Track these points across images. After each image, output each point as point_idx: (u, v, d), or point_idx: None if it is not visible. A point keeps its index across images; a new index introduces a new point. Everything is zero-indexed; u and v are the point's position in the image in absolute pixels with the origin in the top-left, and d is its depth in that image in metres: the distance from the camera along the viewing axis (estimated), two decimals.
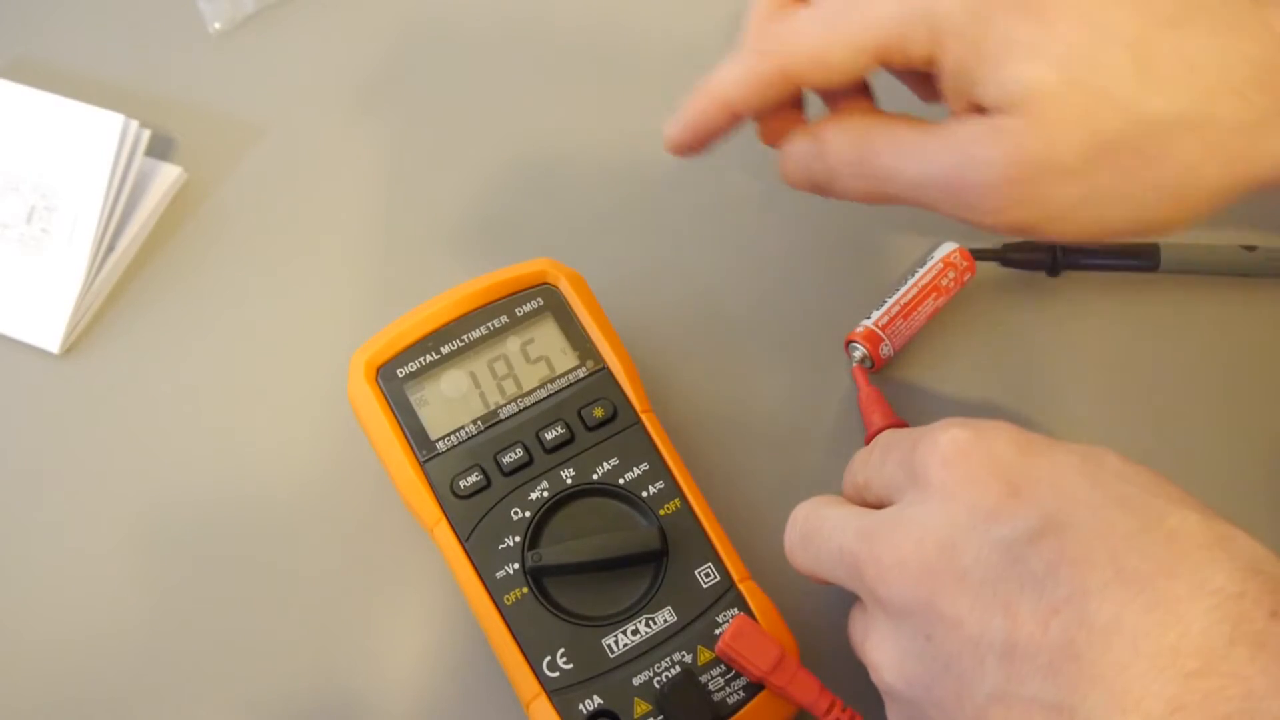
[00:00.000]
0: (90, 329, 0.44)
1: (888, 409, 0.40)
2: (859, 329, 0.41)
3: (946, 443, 0.29)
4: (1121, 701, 0.25)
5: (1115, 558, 0.26)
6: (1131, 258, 0.43)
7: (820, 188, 0.36)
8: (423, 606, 0.38)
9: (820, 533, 0.32)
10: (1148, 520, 0.27)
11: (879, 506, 0.32)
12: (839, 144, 0.35)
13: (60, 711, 0.37)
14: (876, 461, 0.33)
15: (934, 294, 0.41)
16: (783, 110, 0.37)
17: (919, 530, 0.29)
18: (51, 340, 0.43)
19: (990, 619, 0.27)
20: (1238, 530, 0.27)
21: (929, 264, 0.42)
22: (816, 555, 0.32)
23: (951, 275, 0.42)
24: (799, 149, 0.36)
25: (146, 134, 0.46)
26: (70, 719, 0.37)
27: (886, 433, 0.34)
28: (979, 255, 0.43)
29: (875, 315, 0.41)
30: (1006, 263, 0.43)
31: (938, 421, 0.31)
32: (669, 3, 0.51)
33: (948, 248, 0.42)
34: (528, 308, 0.38)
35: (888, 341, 0.41)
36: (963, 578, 0.27)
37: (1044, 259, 0.43)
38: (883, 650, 0.30)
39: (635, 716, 0.33)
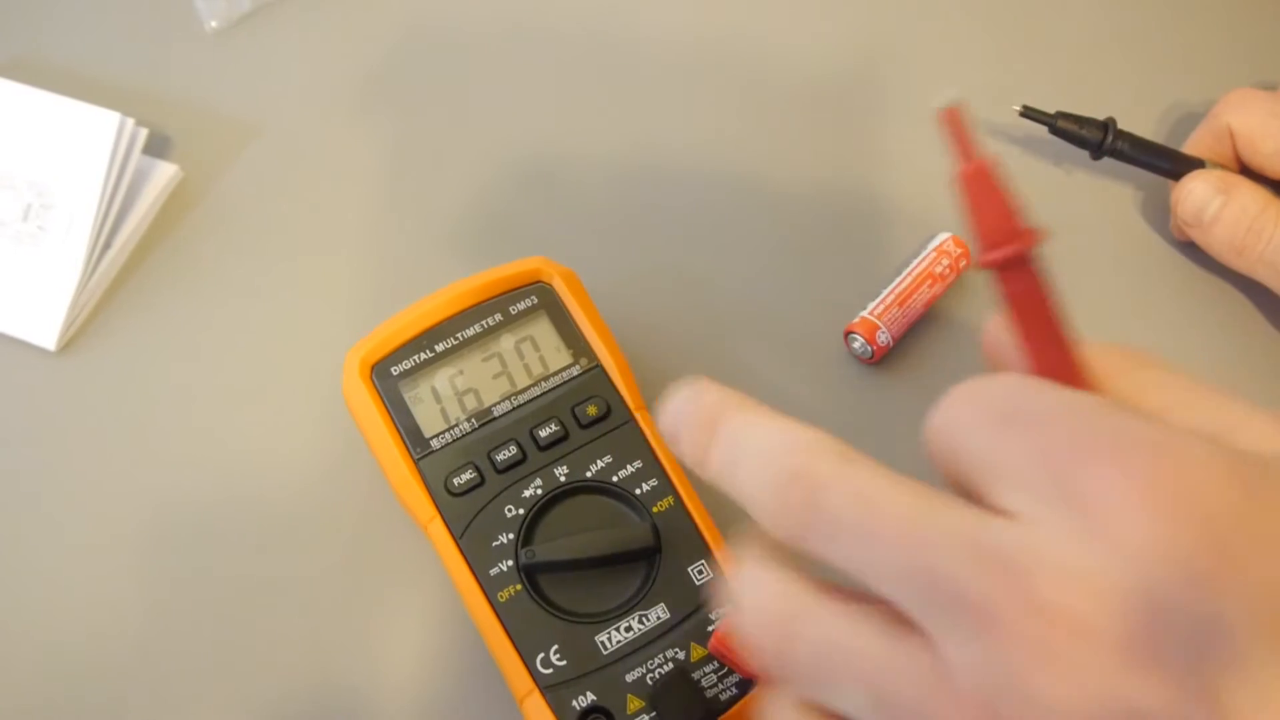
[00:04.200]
0: (86, 326, 0.44)
1: (1008, 204, 0.25)
2: (855, 319, 0.41)
3: (1145, 472, 0.19)
4: None
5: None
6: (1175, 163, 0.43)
7: None
8: (417, 603, 0.39)
9: (903, 528, 0.21)
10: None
11: (958, 488, 0.22)
12: None
13: (59, 710, 0.37)
14: (985, 428, 0.21)
15: (929, 281, 0.42)
16: None
17: (1096, 579, 0.19)
18: (48, 338, 0.43)
19: None
20: None
21: (923, 253, 0.43)
22: (869, 558, 0.21)
23: (945, 262, 0.42)
24: None
25: (143, 132, 0.46)
26: (69, 718, 0.37)
27: (1008, 386, 0.22)
28: (1029, 115, 0.44)
29: (871, 305, 0.42)
30: (1054, 131, 0.44)
31: (1101, 409, 0.21)
32: (669, 3, 0.51)
33: (941, 236, 0.43)
34: (522, 306, 0.39)
35: (884, 329, 0.41)
36: (1158, 658, 0.19)
37: (1094, 138, 0.44)
38: None
39: (628, 713, 0.33)
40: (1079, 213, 0.45)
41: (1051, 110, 0.44)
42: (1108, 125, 0.44)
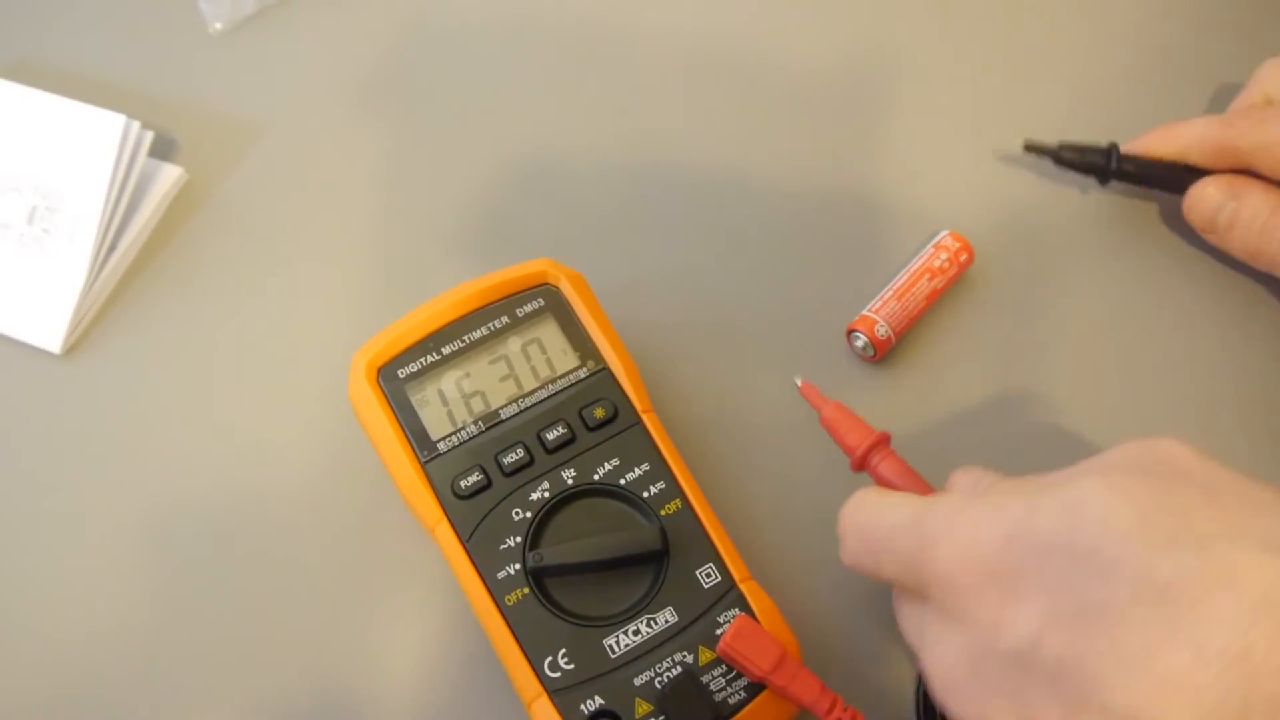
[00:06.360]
0: (91, 329, 0.44)
1: (862, 424, 0.36)
2: (857, 318, 0.42)
3: (945, 558, 0.29)
4: None
5: (1115, 643, 0.25)
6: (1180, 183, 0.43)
7: None
8: (423, 606, 0.38)
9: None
10: (1137, 582, 0.25)
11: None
12: None
13: (62, 709, 0.38)
14: (869, 551, 0.32)
15: (927, 275, 0.42)
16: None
17: (942, 646, 0.29)
18: (53, 340, 0.43)
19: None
20: (1246, 547, 0.25)
21: (923, 250, 0.43)
22: None
23: (944, 256, 0.43)
24: None
25: (149, 135, 0.46)
26: (72, 716, 0.37)
27: (874, 510, 0.32)
28: (1033, 149, 0.44)
29: (871, 303, 0.42)
30: (1059, 163, 0.44)
31: (930, 504, 0.30)
32: (670, 3, 0.51)
33: (941, 233, 0.43)
34: (529, 308, 0.38)
35: (883, 323, 0.41)
36: (984, 691, 0.27)
37: (1098, 164, 0.44)
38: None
39: (636, 717, 0.33)
40: (1099, 233, 0.45)
41: (1055, 141, 0.44)
42: (1110, 151, 0.44)
